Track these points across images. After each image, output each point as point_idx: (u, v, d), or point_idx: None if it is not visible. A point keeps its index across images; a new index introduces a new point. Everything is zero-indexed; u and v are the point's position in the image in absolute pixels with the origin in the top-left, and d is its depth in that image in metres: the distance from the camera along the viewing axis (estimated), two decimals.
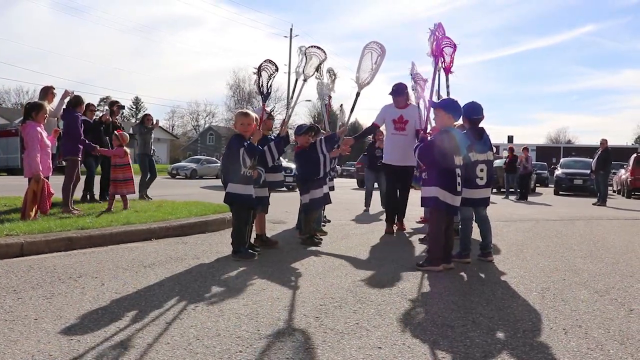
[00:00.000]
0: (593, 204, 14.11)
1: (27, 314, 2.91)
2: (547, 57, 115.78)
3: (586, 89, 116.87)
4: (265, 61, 5.02)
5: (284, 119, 5.52)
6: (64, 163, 7.36)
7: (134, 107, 73.83)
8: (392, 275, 4.20)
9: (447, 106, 4.60)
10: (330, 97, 7.04)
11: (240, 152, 4.64)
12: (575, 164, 22.16)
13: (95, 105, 9.94)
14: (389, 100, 6.66)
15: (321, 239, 5.78)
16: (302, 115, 57.44)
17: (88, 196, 8.68)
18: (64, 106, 7.30)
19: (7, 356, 2.31)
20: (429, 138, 4.83)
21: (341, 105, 7.80)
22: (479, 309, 3.28)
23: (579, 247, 5.98)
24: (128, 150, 7.68)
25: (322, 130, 6.56)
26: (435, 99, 5.09)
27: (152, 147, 10.49)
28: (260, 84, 4.99)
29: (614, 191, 22.36)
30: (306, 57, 5.58)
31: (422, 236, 6.36)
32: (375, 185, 10.60)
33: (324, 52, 5.72)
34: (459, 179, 4.44)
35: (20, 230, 4.94)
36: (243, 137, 4.72)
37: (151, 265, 4.31)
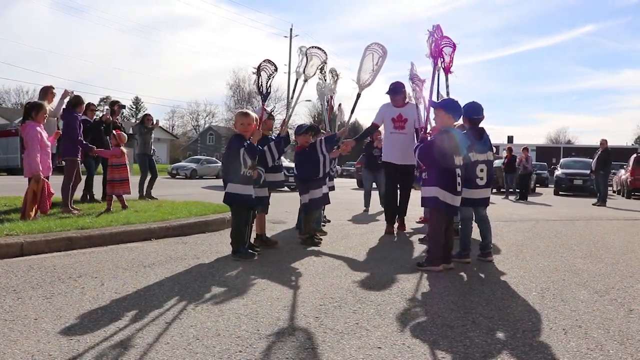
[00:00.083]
0: (593, 204, 14.11)
1: (27, 314, 2.91)
2: (547, 57, 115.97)
3: (586, 89, 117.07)
4: (264, 61, 5.02)
5: (284, 119, 5.52)
6: (63, 163, 7.36)
7: (134, 107, 73.85)
8: (391, 275, 4.20)
9: (447, 106, 4.60)
10: (332, 97, 7.04)
11: (240, 153, 4.65)
12: (575, 164, 22.17)
13: (96, 105, 9.95)
14: (387, 99, 6.66)
15: (321, 239, 5.78)
16: (302, 115, 57.51)
17: (88, 196, 8.68)
18: (64, 106, 7.30)
19: (7, 356, 2.31)
20: (429, 138, 4.84)
21: (339, 105, 7.81)
22: (478, 309, 3.28)
23: (578, 248, 5.98)
24: (126, 150, 7.67)
25: (322, 131, 6.57)
26: (435, 98, 5.10)
27: (153, 147, 10.49)
28: (260, 84, 4.99)
29: (613, 191, 22.36)
30: (307, 57, 5.59)
31: (421, 236, 6.36)
32: (374, 185, 10.61)
33: (325, 52, 5.72)
34: (459, 179, 4.44)
35: (20, 230, 4.95)
36: (243, 137, 4.72)
37: (151, 265, 4.32)
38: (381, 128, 7.03)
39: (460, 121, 5.04)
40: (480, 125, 4.93)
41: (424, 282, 4.02)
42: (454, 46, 5.29)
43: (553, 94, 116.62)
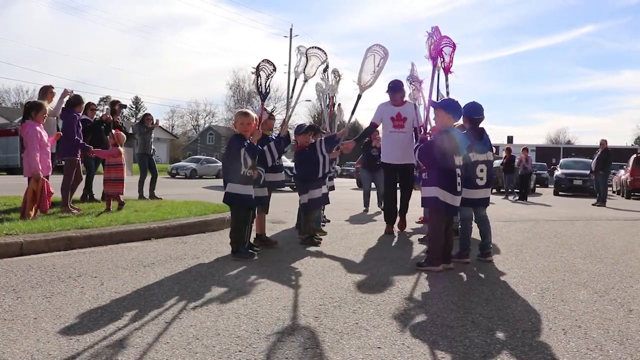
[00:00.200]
0: (592, 205, 14.11)
1: (27, 313, 2.91)
2: (546, 58, 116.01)
3: (586, 89, 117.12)
4: (263, 61, 5.03)
5: (284, 119, 5.52)
6: (63, 163, 7.36)
7: (134, 106, 73.79)
8: (391, 275, 4.20)
9: (448, 106, 4.60)
10: (333, 97, 7.04)
11: (241, 153, 4.64)
12: (574, 165, 22.18)
13: (96, 105, 9.95)
14: (385, 98, 6.66)
15: (320, 239, 5.78)
16: (302, 115, 57.50)
17: (88, 196, 8.68)
18: (63, 105, 7.29)
19: (7, 355, 2.31)
20: (428, 138, 4.84)
21: (339, 105, 7.81)
22: (478, 309, 3.28)
23: (578, 248, 5.98)
24: (123, 150, 7.66)
25: (322, 130, 6.57)
26: (434, 98, 5.10)
27: (153, 147, 10.48)
28: (259, 84, 5.00)
29: (613, 192, 22.36)
30: (307, 57, 5.59)
31: (421, 236, 6.36)
32: (373, 185, 10.61)
33: (324, 52, 5.73)
34: (459, 179, 4.44)
35: (19, 229, 4.94)
36: (243, 137, 4.72)
37: (151, 264, 4.31)
38: (379, 128, 7.02)
39: (460, 121, 5.04)
40: (481, 125, 4.93)
41: (424, 282, 4.02)
42: (453, 46, 5.29)
43: (553, 94, 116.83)
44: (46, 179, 6.10)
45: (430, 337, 2.72)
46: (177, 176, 28.96)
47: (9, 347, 2.40)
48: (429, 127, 5.33)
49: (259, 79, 4.98)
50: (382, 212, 7.41)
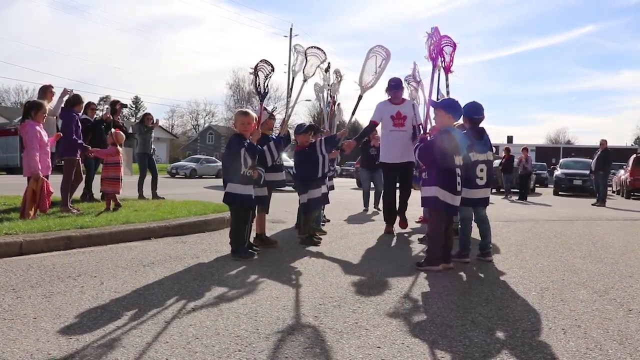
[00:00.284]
0: (592, 205, 14.12)
1: (26, 313, 2.91)
2: (546, 58, 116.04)
3: (586, 89, 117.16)
4: (261, 61, 5.04)
5: (284, 119, 5.52)
6: (62, 162, 7.35)
7: (134, 106, 73.80)
8: (391, 274, 4.20)
9: (448, 106, 4.60)
10: (334, 97, 7.04)
11: (241, 153, 4.64)
12: (574, 165, 22.18)
13: (96, 104, 9.94)
14: (384, 97, 6.65)
15: (320, 239, 5.78)
16: (301, 115, 57.47)
17: (87, 196, 8.67)
18: (62, 105, 7.29)
19: (7, 355, 2.31)
20: (428, 138, 4.84)
21: (338, 105, 7.81)
22: (478, 308, 3.28)
23: (578, 248, 5.98)
24: (122, 149, 7.66)
25: (321, 129, 6.57)
26: (434, 98, 5.10)
27: (153, 147, 10.47)
28: (257, 84, 5.00)
29: (613, 192, 22.37)
30: (306, 57, 5.59)
31: (421, 236, 6.36)
32: (372, 184, 10.59)
33: (323, 52, 5.73)
34: (458, 179, 4.44)
35: (19, 229, 4.94)
36: (243, 137, 4.72)
37: (150, 264, 4.31)
38: (378, 127, 7.01)
39: (460, 121, 5.04)
40: (481, 125, 4.93)
41: (424, 281, 4.02)
42: (454, 45, 5.30)
43: (553, 94, 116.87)
44: (46, 179, 6.10)
45: (430, 337, 2.72)
46: (176, 176, 28.94)
47: (8, 347, 2.40)
48: (428, 127, 5.33)
49: (257, 79, 4.99)
50: (381, 211, 7.40)
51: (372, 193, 10.51)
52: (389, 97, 6.60)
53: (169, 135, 63.76)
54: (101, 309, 3.02)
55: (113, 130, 7.81)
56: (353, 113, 6.10)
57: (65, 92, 7.30)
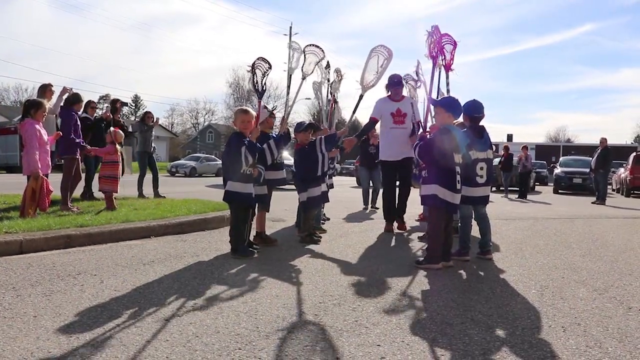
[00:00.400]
0: (592, 203, 14.12)
1: (26, 311, 2.91)
2: (546, 56, 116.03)
3: (585, 87, 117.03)
4: (258, 59, 5.03)
5: (283, 117, 5.52)
6: (62, 161, 7.35)
7: (134, 105, 73.79)
8: (391, 273, 4.20)
9: (448, 105, 4.60)
10: (334, 95, 7.03)
11: (242, 151, 4.63)
12: (574, 163, 22.18)
13: (96, 102, 9.93)
14: (382, 95, 6.64)
15: (320, 237, 5.78)
16: (301, 114, 57.44)
17: (87, 194, 8.67)
18: (62, 103, 7.28)
19: (7, 353, 2.31)
20: (428, 136, 4.84)
21: (336, 102, 7.80)
22: (478, 306, 3.28)
23: (578, 246, 5.99)
24: (120, 148, 7.65)
25: (321, 127, 6.55)
26: (434, 96, 5.10)
27: (153, 145, 10.46)
28: (255, 82, 5.00)
29: (613, 190, 22.36)
30: (304, 55, 5.59)
31: (421, 234, 6.36)
32: (370, 183, 10.59)
33: (322, 49, 5.72)
34: (458, 177, 4.44)
35: (19, 227, 4.94)
36: (243, 135, 4.72)
37: (150, 262, 4.31)
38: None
39: (460, 119, 5.04)
40: (481, 123, 4.93)
41: (423, 279, 4.03)
42: (454, 44, 5.29)
43: (552, 93, 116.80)
44: (45, 178, 6.10)
45: (429, 335, 2.72)
46: (176, 174, 28.95)
47: (8, 345, 2.40)
48: (428, 125, 5.33)
49: (255, 77, 4.99)
50: (379, 209, 7.38)
51: (371, 191, 10.51)
52: (389, 94, 6.60)
53: (169, 133, 63.69)
54: (101, 308, 3.02)
55: (112, 128, 7.81)
56: (354, 112, 6.10)
57: (64, 90, 7.29)
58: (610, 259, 5.14)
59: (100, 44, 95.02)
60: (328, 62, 6.41)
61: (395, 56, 5.90)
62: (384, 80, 6.43)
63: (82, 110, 8.12)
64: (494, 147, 5.28)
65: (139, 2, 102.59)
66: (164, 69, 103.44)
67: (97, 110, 9.75)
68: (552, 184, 22.45)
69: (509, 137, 53.66)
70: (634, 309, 3.34)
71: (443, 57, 5.25)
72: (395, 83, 6.48)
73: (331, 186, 6.80)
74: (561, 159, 24.74)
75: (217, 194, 8.94)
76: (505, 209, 11.06)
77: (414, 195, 6.40)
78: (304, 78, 5.66)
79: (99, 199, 8.29)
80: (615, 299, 3.58)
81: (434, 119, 5.01)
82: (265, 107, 5.39)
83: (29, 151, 5.95)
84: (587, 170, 17.72)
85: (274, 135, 5.33)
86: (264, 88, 5.06)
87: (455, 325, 2.89)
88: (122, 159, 7.63)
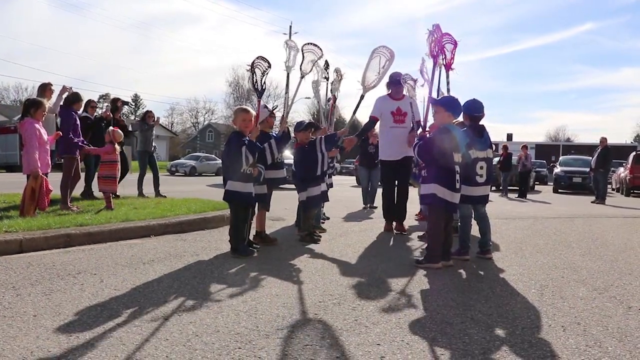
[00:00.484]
0: (592, 202, 14.12)
1: (26, 311, 2.91)
2: (546, 56, 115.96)
3: (585, 87, 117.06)
4: (257, 58, 5.02)
5: (282, 116, 5.51)
6: (62, 160, 7.34)
7: (133, 104, 73.75)
8: (390, 272, 4.20)
9: (447, 104, 4.60)
10: (334, 95, 7.03)
11: (242, 150, 4.63)
12: (574, 162, 22.20)
13: (96, 102, 9.92)
14: (382, 93, 6.64)
15: (320, 236, 5.78)
16: (301, 113, 57.39)
17: (87, 193, 8.67)
18: (61, 103, 7.27)
19: (7, 352, 2.31)
20: (427, 136, 4.83)
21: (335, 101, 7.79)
22: (477, 306, 3.28)
23: (577, 245, 5.99)
24: (119, 148, 7.64)
25: (320, 126, 6.55)
26: (435, 95, 5.10)
27: (154, 144, 10.45)
28: (255, 81, 5.00)
29: (613, 189, 22.36)
30: (303, 54, 5.59)
31: (420, 233, 6.36)
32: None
33: (320, 48, 5.72)
34: (457, 176, 4.44)
35: (19, 227, 4.94)
36: (243, 134, 4.71)
37: (150, 262, 4.31)
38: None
39: (460, 118, 5.04)
40: (480, 122, 4.92)
41: (423, 279, 4.03)
42: (455, 43, 5.29)
43: (552, 92, 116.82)
44: (45, 177, 6.09)
45: (429, 334, 2.72)
46: (176, 174, 28.94)
47: (8, 344, 2.40)
48: (428, 124, 5.33)
49: (255, 76, 4.98)
50: (377, 209, 7.37)
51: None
52: (389, 92, 6.58)
53: (169, 133, 63.69)
54: (101, 307, 3.02)
55: (110, 128, 7.80)
56: (354, 112, 6.10)
57: (64, 89, 7.29)
58: (610, 259, 5.14)
59: (100, 43, 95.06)
60: (327, 61, 6.41)
61: (395, 56, 5.91)
62: (385, 81, 6.42)
63: (82, 109, 8.11)
64: (493, 147, 5.28)
65: (139, 2, 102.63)
66: (164, 69, 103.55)
67: (97, 109, 9.73)
68: (551, 184, 22.46)
69: (509, 137, 53.70)
70: (634, 308, 3.34)
71: (443, 57, 5.25)
72: (396, 82, 6.46)
73: (331, 185, 6.79)
74: (561, 158, 24.75)
75: (217, 193, 8.94)
76: (505, 209, 11.07)
77: (413, 194, 6.40)
78: (302, 77, 5.66)
79: (99, 198, 8.29)
80: (615, 298, 3.58)
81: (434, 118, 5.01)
82: (265, 107, 5.38)
83: (28, 150, 5.95)
84: (587, 169, 17.72)
85: (274, 135, 5.32)
86: (264, 87, 5.06)
87: (455, 324, 2.89)
88: (124, 158, 7.61)
